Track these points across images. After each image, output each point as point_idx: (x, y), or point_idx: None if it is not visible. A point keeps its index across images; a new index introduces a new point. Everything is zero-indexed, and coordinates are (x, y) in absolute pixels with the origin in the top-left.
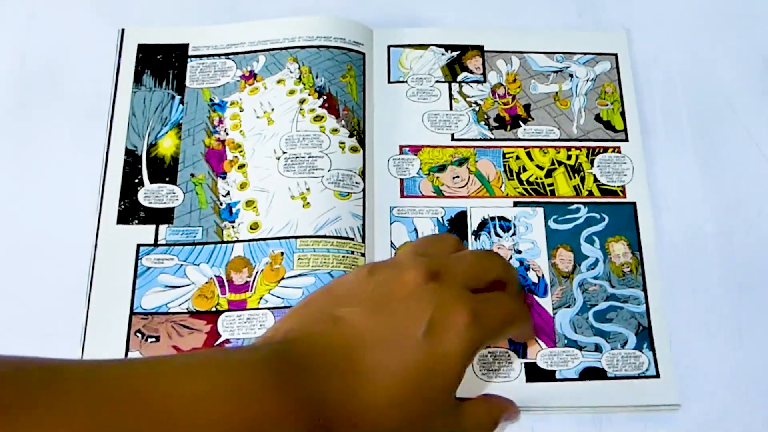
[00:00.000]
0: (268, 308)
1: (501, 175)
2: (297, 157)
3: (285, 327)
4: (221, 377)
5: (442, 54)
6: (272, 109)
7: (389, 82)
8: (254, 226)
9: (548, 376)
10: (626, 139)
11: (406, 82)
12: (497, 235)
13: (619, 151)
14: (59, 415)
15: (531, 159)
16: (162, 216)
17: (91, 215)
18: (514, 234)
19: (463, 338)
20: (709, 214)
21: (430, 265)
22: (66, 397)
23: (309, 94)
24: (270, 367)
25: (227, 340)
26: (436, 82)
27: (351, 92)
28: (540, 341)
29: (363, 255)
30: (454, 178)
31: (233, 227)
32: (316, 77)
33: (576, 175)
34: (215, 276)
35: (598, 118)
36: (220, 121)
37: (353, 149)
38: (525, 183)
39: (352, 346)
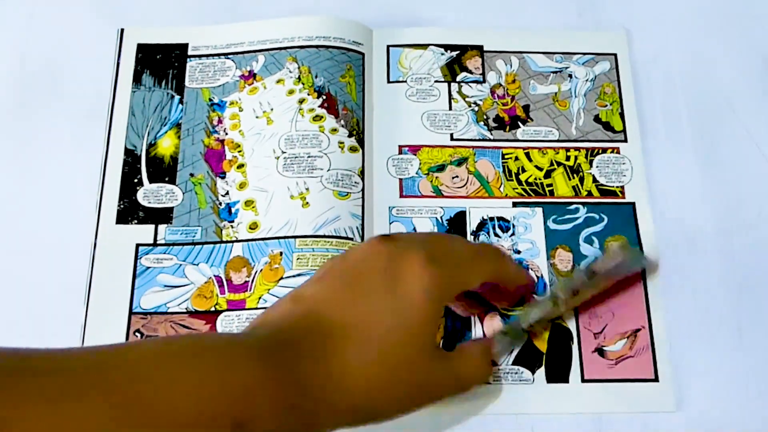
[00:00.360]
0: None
1: (500, 176)
2: (296, 157)
3: (252, 324)
4: (205, 356)
5: (442, 54)
6: (271, 109)
7: (389, 81)
8: (253, 226)
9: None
10: (625, 140)
11: (406, 81)
12: (496, 235)
13: (618, 152)
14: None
15: (530, 160)
16: (161, 216)
17: (91, 215)
18: (513, 234)
19: (422, 277)
20: (709, 214)
21: (383, 235)
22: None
23: (308, 94)
24: (252, 346)
25: None
26: (436, 81)
27: (350, 92)
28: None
29: None
30: (453, 178)
31: (232, 227)
32: (316, 77)
33: (575, 175)
34: (214, 276)
35: (597, 119)
36: (220, 121)
37: (352, 149)
38: (524, 183)
39: (313, 318)
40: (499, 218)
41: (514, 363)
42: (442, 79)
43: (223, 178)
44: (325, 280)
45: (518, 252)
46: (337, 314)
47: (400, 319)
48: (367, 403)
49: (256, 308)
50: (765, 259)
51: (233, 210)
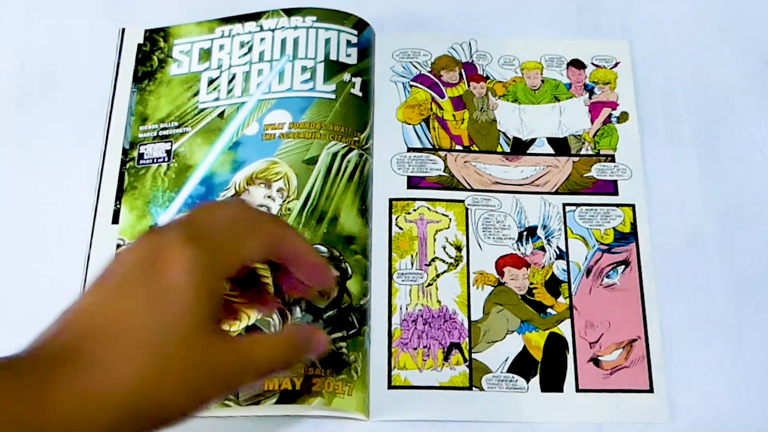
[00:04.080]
0: None
1: None
2: None
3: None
4: None
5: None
6: None
7: None
8: None
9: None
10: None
11: None
12: None
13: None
14: None
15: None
16: None
17: (87, 214)
18: None
19: (179, 258)
20: (709, 214)
21: (153, 225)
22: None
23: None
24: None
25: None
26: None
27: None
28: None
29: None
30: None
31: None
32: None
33: None
34: None
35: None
36: None
37: None
38: None
39: (83, 342)
40: None
41: (509, 371)
42: None
43: None
44: (89, 288)
45: None
46: (97, 320)
47: (163, 306)
48: (150, 403)
49: None
50: (765, 260)
51: None
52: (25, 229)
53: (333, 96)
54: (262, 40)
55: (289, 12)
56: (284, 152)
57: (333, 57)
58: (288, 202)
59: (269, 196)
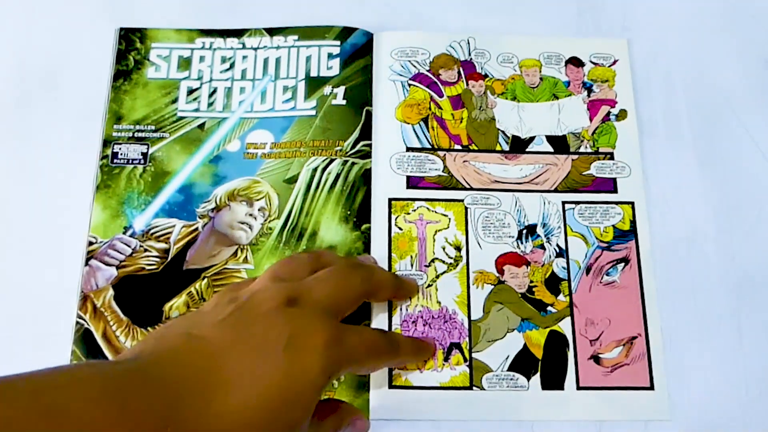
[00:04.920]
0: None
1: None
2: None
3: (138, 348)
4: (45, 397)
5: None
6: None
7: None
8: None
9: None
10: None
11: None
12: None
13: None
14: None
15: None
16: None
17: (87, 214)
18: None
19: (322, 356)
20: (709, 214)
21: (288, 289)
22: None
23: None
24: (108, 384)
25: None
26: None
27: None
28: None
29: None
30: None
31: None
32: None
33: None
34: None
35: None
36: None
37: None
38: None
39: (206, 359)
40: None
41: (509, 369)
42: None
43: None
44: (224, 326)
45: None
46: (230, 363)
47: (290, 382)
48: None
49: None
50: (765, 260)
51: None
52: (24, 229)
53: (314, 112)
54: (244, 58)
55: (272, 32)
56: (266, 172)
57: (314, 73)
58: (269, 222)
59: (251, 214)
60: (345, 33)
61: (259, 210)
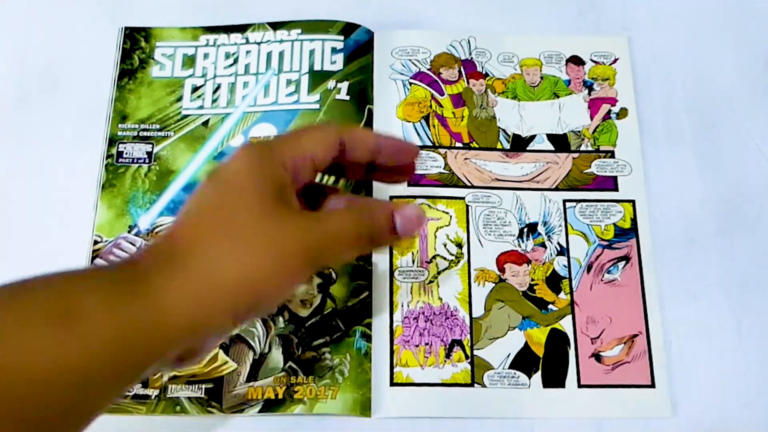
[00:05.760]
0: None
1: None
2: None
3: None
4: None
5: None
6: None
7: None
8: None
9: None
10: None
11: None
12: None
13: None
14: None
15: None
16: None
17: (88, 214)
18: None
19: (238, 156)
20: (709, 214)
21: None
22: None
23: None
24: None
25: None
26: None
27: None
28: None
29: None
30: None
31: None
32: None
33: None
34: None
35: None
36: None
37: None
38: None
39: (178, 238)
40: None
41: (511, 367)
42: None
43: None
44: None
45: None
46: (190, 229)
47: (232, 194)
48: (252, 295)
49: None
50: (765, 259)
51: None
52: (30, 229)
53: (317, 106)
54: (248, 52)
55: (275, 26)
56: None
57: (317, 67)
58: None
59: None
60: (349, 28)
61: None
